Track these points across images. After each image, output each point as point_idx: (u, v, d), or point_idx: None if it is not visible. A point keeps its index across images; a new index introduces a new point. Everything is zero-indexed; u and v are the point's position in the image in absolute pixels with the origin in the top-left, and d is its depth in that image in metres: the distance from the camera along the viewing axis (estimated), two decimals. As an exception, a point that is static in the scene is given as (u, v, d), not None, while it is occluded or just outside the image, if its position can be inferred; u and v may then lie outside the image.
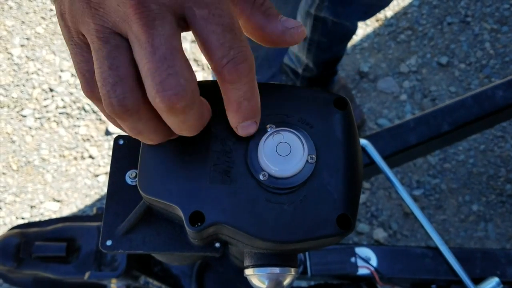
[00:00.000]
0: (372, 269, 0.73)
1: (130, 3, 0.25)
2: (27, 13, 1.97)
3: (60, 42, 1.91)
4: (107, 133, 1.73)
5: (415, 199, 1.60)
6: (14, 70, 1.85)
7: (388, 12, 1.94)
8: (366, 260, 0.74)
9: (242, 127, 0.31)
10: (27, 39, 1.92)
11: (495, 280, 0.71)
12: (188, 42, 1.86)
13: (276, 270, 0.36)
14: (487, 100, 0.86)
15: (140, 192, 0.34)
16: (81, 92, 1.79)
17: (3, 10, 1.97)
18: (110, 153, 0.41)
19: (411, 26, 1.91)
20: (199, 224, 0.32)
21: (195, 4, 0.27)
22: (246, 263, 0.37)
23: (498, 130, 1.70)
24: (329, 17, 1.24)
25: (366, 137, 0.82)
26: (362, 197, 1.61)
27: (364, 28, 1.91)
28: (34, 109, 1.78)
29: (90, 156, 1.69)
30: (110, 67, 0.27)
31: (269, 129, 0.34)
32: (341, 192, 0.33)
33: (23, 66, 1.86)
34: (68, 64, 1.86)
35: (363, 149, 0.79)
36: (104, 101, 0.28)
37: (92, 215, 0.81)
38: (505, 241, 1.54)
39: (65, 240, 0.72)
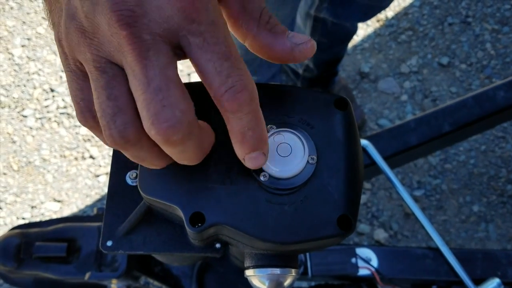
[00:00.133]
0: (373, 269, 0.73)
1: (123, 34, 0.25)
2: (28, 13, 1.98)
3: (61, 42, 1.91)
4: (108, 133, 1.73)
5: (416, 199, 1.60)
6: (15, 70, 1.85)
7: (389, 12, 1.94)
8: (367, 260, 0.74)
9: (249, 158, 0.30)
10: (28, 39, 1.92)
11: (496, 281, 0.71)
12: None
13: (277, 271, 0.35)
14: (488, 100, 0.86)
15: (141, 192, 0.34)
16: (82, 93, 1.80)
17: (4, 11, 1.98)
18: (111, 153, 0.41)
19: (412, 27, 1.91)
20: (199, 224, 0.32)
21: (189, 33, 0.26)
22: (247, 263, 0.37)
23: (499, 130, 1.70)
24: (329, 18, 1.24)
25: (367, 138, 0.82)
26: (363, 198, 1.61)
27: (364, 29, 1.91)
28: (35, 109, 1.78)
29: (91, 156, 1.69)
30: (109, 98, 0.26)
31: (269, 130, 0.34)
32: (342, 192, 0.33)
33: (24, 66, 1.86)
34: (69, 64, 1.86)
35: (364, 150, 0.79)
36: (104, 132, 0.27)
37: (92, 215, 0.81)
38: (506, 242, 1.53)
39: (66, 241, 0.72)
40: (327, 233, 0.32)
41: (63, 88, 1.81)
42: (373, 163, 0.78)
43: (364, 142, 0.79)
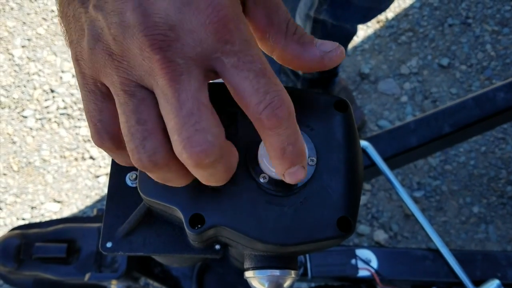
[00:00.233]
0: (373, 271, 0.73)
1: (155, 58, 0.24)
2: (28, 14, 1.98)
3: (61, 43, 1.91)
4: (108, 134, 1.73)
5: (416, 200, 1.60)
6: (15, 71, 1.85)
7: (389, 13, 1.94)
8: (367, 262, 0.74)
9: (290, 174, 0.29)
10: (28, 40, 1.92)
11: (495, 282, 0.71)
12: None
13: (276, 272, 0.35)
14: (488, 102, 0.86)
15: (140, 194, 0.34)
16: (82, 93, 1.80)
17: (4, 11, 1.98)
18: (111, 154, 0.41)
19: (412, 28, 1.91)
20: (199, 226, 0.32)
21: (223, 54, 0.26)
22: (246, 265, 0.37)
23: (499, 131, 1.70)
24: (329, 20, 1.24)
25: (367, 139, 0.82)
26: (363, 199, 1.61)
27: (365, 30, 1.91)
28: (35, 110, 1.78)
29: (91, 157, 1.69)
30: (138, 122, 0.26)
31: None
32: (342, 194, 0.33)
33: (24, 67, 1.86)
34: (69, 65, 1.87)
35: (364, 151, 0.79)
36: (133, 156, 0.27)
37: (92, 216, 0.81)
38: (506, 243, 1.53)
39: (66, 241, 0.72)
40: (327, 234, 0.32)
41: (63, 89, 1.81)
42: (373, 164, 0.79)
43: (364, 143, 0.79)
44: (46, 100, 1.80)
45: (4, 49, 1.90)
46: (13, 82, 1.83)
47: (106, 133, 0.28)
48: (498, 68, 1.81)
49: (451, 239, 1.55)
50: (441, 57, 1.84)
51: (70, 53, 0.29)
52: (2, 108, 1.78)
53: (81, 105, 1.78)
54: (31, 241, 0.72)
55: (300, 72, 1.59)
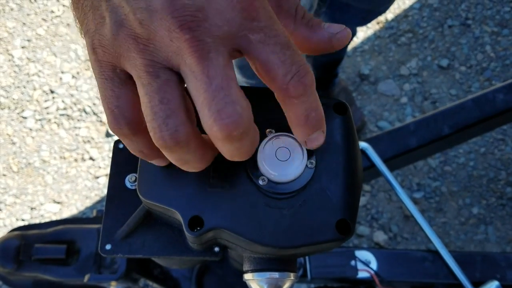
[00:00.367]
0: (372, 272, 0.73)
1: (184, 38, 0.25)
2: (28, 14, 1.98)
3: (61, 44, 1.91)
4: (108, 135, 1.73)
5: (416, 202, 1.60)
6: (15, 71, 1.85)
7: (389, 14, 1.94)
8: (366, 263, 0.74)
9: (312, 139, 0.31)
10: (28, 40, 1.92)
11: (495, 283, 0.71)
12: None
13: (276, 275, 0.35)
14: (487, 103, 0.86)
15: (140, 196, 0.34)
16: (82, 94, 1.80)
17: (4, 12, 1.98)
18: (111, 155, 0.41)
19: (411, 29, 1.91)
20: (198, 228, 0.32)
21: (250, 31, 0.27)
22: (245, 267, 0.37)
23: (499, 133, 1.70)
24: (328, 22, 1.24)
25: (367, 140, 0.82)
26: (363, 200, 1.61)
27: (364, 31, 1.92)
28: (35, 111, 1.78)
29: (91, 158, 1.69)
30: (161, 101, 0.27)
31: (268, 134, 0.34)
32: (341, 197, 0.33)
33: (24, 67, 1.86)
34: (69, 65, 1.87)
35: (363, 152, 0.79)
36: (155, 135, 0.27)
37: (92, 217, 0.81)
38: (505, 244, 1.53)
39: (65, 243, 0.72)
40: (326, 237, 0.32)
41: (63, 90, 1.81)
42: (372, 165, 0.79)
43: (363, 144, 0.79)
44: (45, 101, 1.80)
45: (4, 49, 1.90)
46: (13, 83, 1.83)
47: (124, 119, 0.29)
48: (498, 69, 1.81)
49: (451, 240, 1.55)
50: (441, 58, 1.84)
51: (85, 43, 0.30)
52: (2, 109, 1.78)
53: (81, 106, 1.78)
54: (31, 242, 0.72)
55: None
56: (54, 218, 1.60)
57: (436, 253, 0.75)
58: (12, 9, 1.99)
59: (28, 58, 1.88)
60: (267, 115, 0.35)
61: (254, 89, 0.36)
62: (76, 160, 1.69)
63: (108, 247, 0.37)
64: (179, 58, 0.26)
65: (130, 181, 0.39)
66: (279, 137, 0.33)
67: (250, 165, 0.33)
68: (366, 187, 1.62)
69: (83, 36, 0.30)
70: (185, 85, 0.28)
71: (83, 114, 1.77)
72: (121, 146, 0.40)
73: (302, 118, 0.29)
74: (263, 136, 0.34)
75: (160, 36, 0.26)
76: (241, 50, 0.28)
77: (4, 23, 1.95)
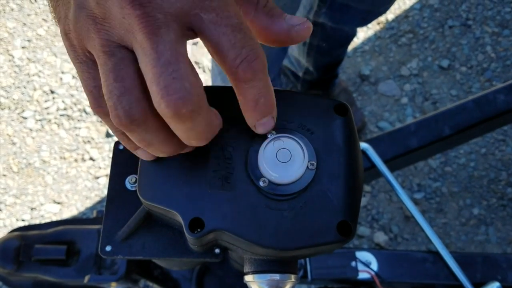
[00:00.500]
0: (373, 273, 0.73)
1: (135, 14, 0.25)
2: (28, 15, 1.98)
3: (61, 44, 1.91)
4: (108, 135, 1.73)
5: (416, 202, 1.60)
6: (15, 72, 1.85)
7: (389, 15, 1.94)
8: (367, 264, 0.74)
9: (260, 124, 0.31)
10: (28, 41, 1.92)
11: (495, 284, 0.71)
12: (189, 44, 1.86)
13: (276, 276, 0.35)
14: (488, 104, 0.86)
15: (140, 198, 0.34)
16: (82, 94, 1.80)
17: (4, 12, 1.98)
18: (111, 155, 0.41)
19: (412, 29, 1.91)
20: (198, 230, 0.32)
21: (202, 10, 0.27)
22: (246, 269, 0.37)
23: (499, 133, 1.70)
24: (328, 23, 1.24)
25: (367, 141, 0.82)
26: (363, 200, 1.61)
27: (365, 31, 1.91)
28: (35, 111, 1.78)
29: (91, 158, 1.69)
30: (116, 79, 0.27)
31: (269, 135, 0.34)
32: (342, 198, 0.33)
33: (24, 68, 1.86)
34: (69, 66, 1.86)
35: (364, 153, 0.79)
36: (111, 113, 0.27)
37: (92, 218, 0.81)
38: (506, 245, 1.53)
39: (65, 243, 0.72)
40: (327, 239, 0.32)
41: (63, 90, 1.81)
42: (373, 166, 0.78)
43: (364, 145, 0.79)
44: (46, 101, 1.79)
45: (4, 50, 1.90)
46: (13, 83, 1.83)
47: (102, 97, 0.29)
48: (498, 70, 1.81)
49: (451, 240, 1.54)
50: (441, 59, 1.84)
51: (59, 32, 0.30)
52: (2, 109, 1.78)
53: (81, 107, 1.78)
54: (31, 243, 0.72)
55: (300, 74, 1.59)
56: (54, 218, 1.60)
57: (436, 254, 0.75)
58: (12, 10, 1.99)
59: (28, 59, 1.88)
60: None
61: None
62: (76, 160, 1.69)
63: (108, 248, 0.37)
64: (130, 35, 0.26)
65: (130, 182, 0.39)
66: (280, 139, 0.33)
67: (251, 166, 0.33)
68: (367, 188, 1.62)
69: (57, 24, 0.30)
70: None
71: (83, 114, 1.77)
72: (121, 147, 0.40)
73: (251, 103, 0.29)
74: (264, 137, 0.33)
75: (114, 14, 0.26)
76: (194, 29, 0.27)
77: (5, 23, 1.95)
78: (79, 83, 1.83)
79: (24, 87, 1.82)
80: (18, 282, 0.75)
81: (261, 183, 0.32)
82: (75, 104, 1.79)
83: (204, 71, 1.83)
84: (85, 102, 1.79)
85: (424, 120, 0.85)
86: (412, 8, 1.95)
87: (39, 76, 1.84)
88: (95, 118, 1.77)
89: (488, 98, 0.86)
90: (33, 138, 1.73)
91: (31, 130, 1.75)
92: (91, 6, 0.27)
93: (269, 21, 0.31)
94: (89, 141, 1.73)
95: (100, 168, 1.68)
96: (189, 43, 1.86)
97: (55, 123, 1.75)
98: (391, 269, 0.74)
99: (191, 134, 0.28)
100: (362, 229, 1.55)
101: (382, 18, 1.92)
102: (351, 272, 0.73)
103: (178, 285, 0.76)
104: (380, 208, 1.59)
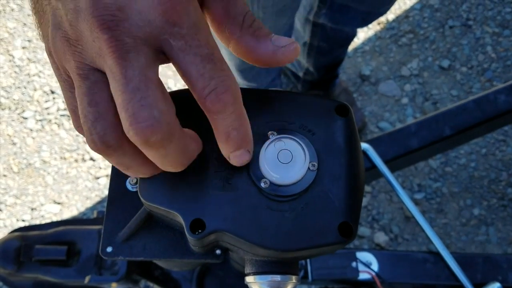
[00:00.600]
0: (373, 273, 0.73)
1: (104, 37, 0.25)
2: (28, 15, 1.98)
3: (61, 44, 1.91)
4: (108, 135, 1.73)
5: (416, 202, 1.60)
6: (15, 72, 1.85)
7: (389, 15, 1.94)
8: (367, 264, 0.74)
9: (234, 156, 0.30)
10: (29, 41, 1.92)
11: (496, 285, 0.71)
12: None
13: (277, 277, 0.35)
14: (489, 104, 0.86)
15: (141, 199, 0.33)
16: (83, 94, 1.80)
17: (5, 12, 1.98)
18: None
19: (412, 30, 1.91)
20: (200, 231, 0.32)
21: (171, 36, 0.26)
22: (247, 270, 0.37)
23: (500, 133, 1.70)
24: (328, 24, 1.24)
25: (368, 141, 0.82)
26: (363, 201, 1.61)
27: (365, 32, 1.91)
28: (35, 111, 1.78)
29: (91, 159, 1.69)
30: (90, 104, 0.26)
31: (270, 136, 0.34)
32: (343, 199, 0.33)
33: (24, 68, 1.86)
34: (69, 66, 1.87)
35: (364, 153, 0.79)
36: (87, 138, 0.27)
37: (92, 218, 0.81)
38: (506, 245, 1.53)
39: (66, 244, 0.72)
40: (328, 240, 0.32)
41: (64, 90, 1.81)
42: (373, 166, 0.78)
43: (364, 145, 0.79)
44: (46, 101, 1.80)
45: (4, 50, 1.90)
46: (14, 83, 1.83)
47: None
48: (499, 70, 1.81)
49: (452, 241, 1.54)
50: (442, 59, 1.84)
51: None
52: (2, 109, 1.78)
53: (81, 107, 1.78)
54: (31, 243, 0.72)
55: (301, 74, 1.59)
56: (54, 218, 1.60)
57: (437, 254, 0.75)
58: (12, 10, 1.99)
59: (28, 59, 1.88)
60: (269, 117, 0.34)
61: (254, 91, 0.36)
62: (76, 160, 1.69)
63: (109, 249, 0.37)
64: (101, 59, 0.26)
65: (131, 183, 0.38)
66: (281, 139, 0.33)
67: (252, 168, 0.33)
68: (367, 188, 1.62)
69: (41, 40, 0.30)
70: None
71: (84, 114, 1.77)
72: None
73: (222, 135, 0.29)
74: (265, 138, 0.33)
75: (86, 37, 0.26)
76: (165, 53, 0.27)
77: (5, 23, 1.95)
78: (79, 83, 1.83)
79: (25, 87, 1.82)
80: (18, 282, 0.75)
81: (262, 184, 0.32)
82: (75, 104, 1.79)
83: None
84: (86, 102, 1.79)
85: (425, 121, 0.85)
86: (412, 8, 1.95)
87: (39, 76, 1.84)
88: (95, 118, 1.77)
89: (488, 98, 0.86)
90: (33, 138, 1.73)
91: (31, 130, 1.75)
92: (66, 27, 0.26)
93: (255, 42, 0.30)
94: (89, 141, 1.72)
95: (100, 168, 1.68)
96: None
97: (55, 123, 1.76)
98: (392, 270, 0.74)
99: (165, 161, 0.28)
100: (362, 230, 1.55)
101: (382, 18, 1.92)
102: (351, 273, 0.73)
103: (179, 286, 0.76)
104: (381, 209, 1.59)
